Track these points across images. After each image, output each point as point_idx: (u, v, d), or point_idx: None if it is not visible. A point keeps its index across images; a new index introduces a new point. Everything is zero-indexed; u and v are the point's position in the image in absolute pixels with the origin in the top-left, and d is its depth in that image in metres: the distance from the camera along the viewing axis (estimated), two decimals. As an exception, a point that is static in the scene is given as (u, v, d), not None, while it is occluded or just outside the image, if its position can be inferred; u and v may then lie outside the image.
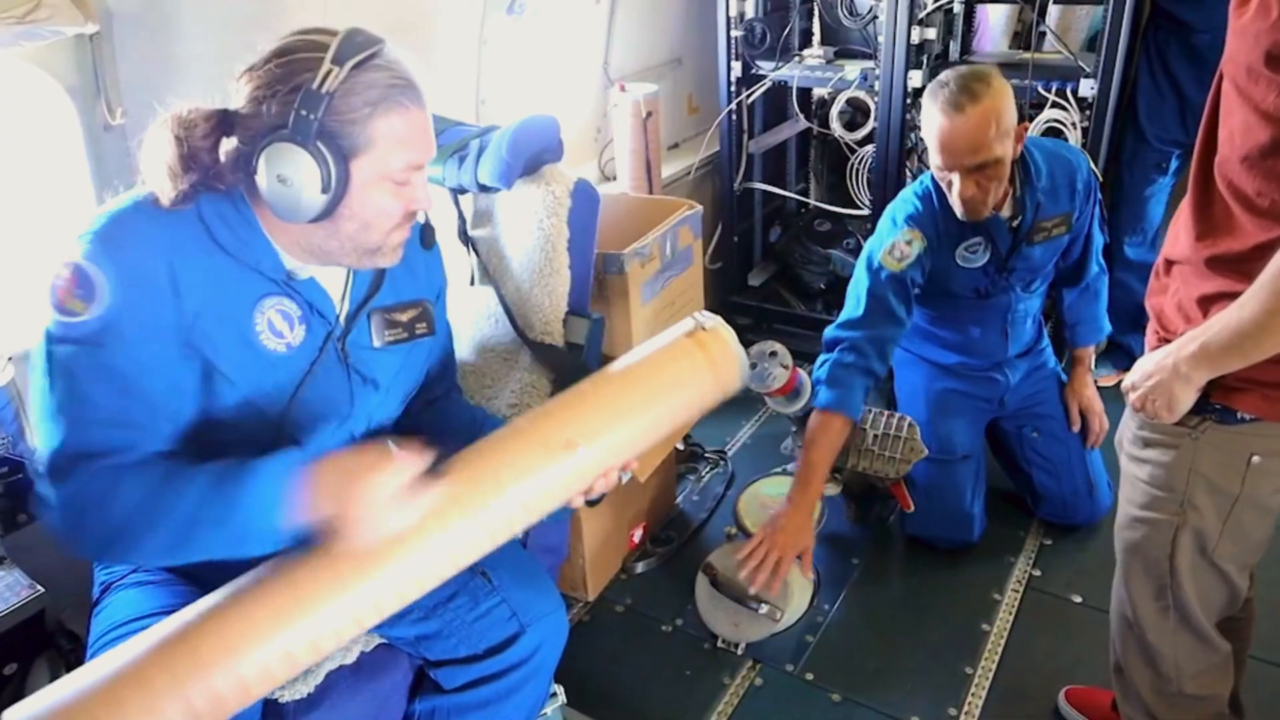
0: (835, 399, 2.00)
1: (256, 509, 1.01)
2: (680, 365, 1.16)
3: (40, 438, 1.08)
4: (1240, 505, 1.29)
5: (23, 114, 1.59)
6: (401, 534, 1.01)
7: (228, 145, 1.10)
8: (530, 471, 1.06)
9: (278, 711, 1.26)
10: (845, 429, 2.01)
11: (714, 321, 1.21)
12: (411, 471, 1.02)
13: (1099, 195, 2.16)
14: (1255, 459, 1.25)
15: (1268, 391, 1.19)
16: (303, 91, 1.05)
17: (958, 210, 1.95)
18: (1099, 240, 2.23)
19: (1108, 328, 2.35)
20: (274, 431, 1.19)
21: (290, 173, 1.06)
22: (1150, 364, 1.24)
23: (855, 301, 2.09)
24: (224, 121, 1.10)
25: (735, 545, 2.07)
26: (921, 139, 2.67)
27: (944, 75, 1.85)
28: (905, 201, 2.11)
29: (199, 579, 1.25)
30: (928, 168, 2.02)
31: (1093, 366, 2.36)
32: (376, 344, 1.29)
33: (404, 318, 1.32)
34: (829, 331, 2.10)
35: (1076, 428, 2.30)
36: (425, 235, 1.33)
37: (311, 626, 0.99)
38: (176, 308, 1.09)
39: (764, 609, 1.96)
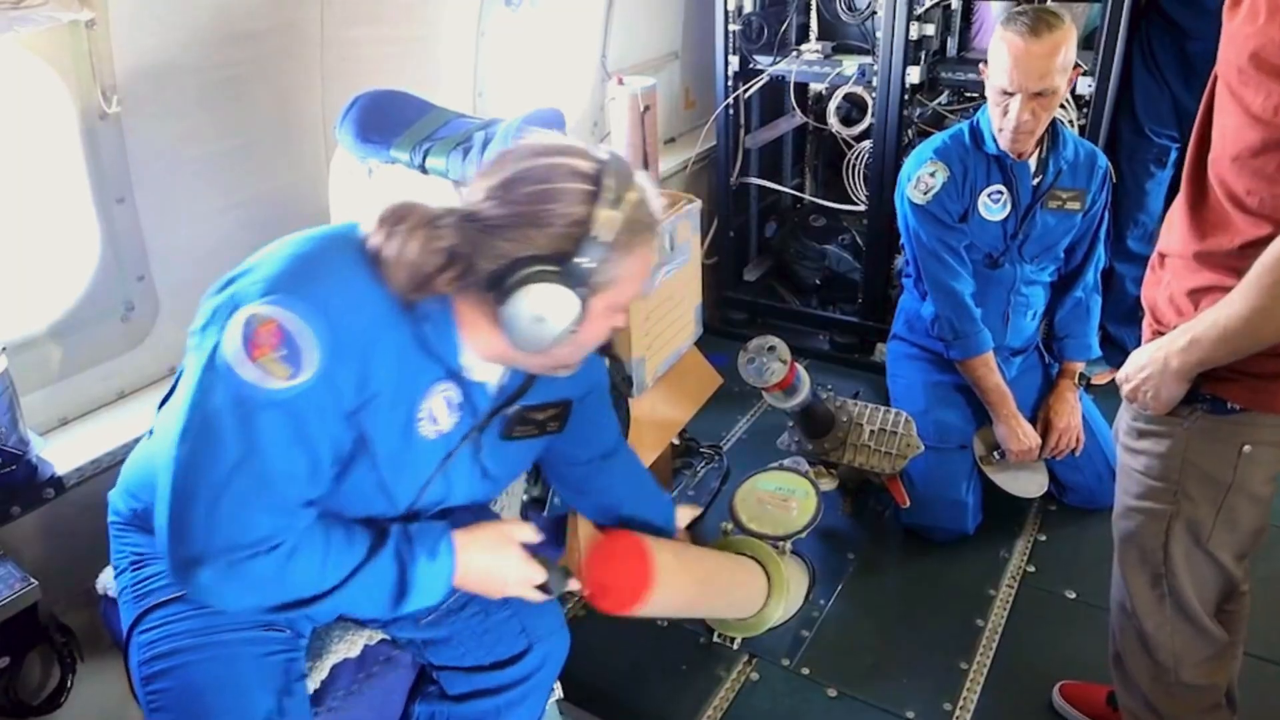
0: (960, 351, 2.26)
1: (422, 595, 1.13)
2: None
3: (179, 502, 0.98)
4: (1233, 494, 1.30)
5: (17, 101, 1.57)
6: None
7: (457, 245, 1.03)
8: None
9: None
10: (988, 361, 2.25)
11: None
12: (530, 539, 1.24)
13: (1110, 193, 2.27)
14: (1246, 448, 1.27)
15: (1255, 383, 1.21)
16: (585, 241, 1.01)
17: (1006, 141, 2.11)
18: (1100, 256, 2.31)
19: (1096, 350, 2.40)
20: (389, 509, 1.16)
21: (552, 314, 1.02)
22: (1143, 356, 1.27)
23: (907, 250, 2.35)
24: (465, 232, 1.03)
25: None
26: (916, 136, 2.70)
27: (1019, 9, 2.06)
28: (935, 138, 2.30)
29: None
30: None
31: (1077, 383, 2.38)
32: (504, 437, 1.25)
33: (540, 416, 1.27)
34: (911, 289, 2.43)
35: (1042, 445, 2.29)
36: (605, 344, 1.24)
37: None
38: (358, 388, 1.02)
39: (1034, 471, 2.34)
